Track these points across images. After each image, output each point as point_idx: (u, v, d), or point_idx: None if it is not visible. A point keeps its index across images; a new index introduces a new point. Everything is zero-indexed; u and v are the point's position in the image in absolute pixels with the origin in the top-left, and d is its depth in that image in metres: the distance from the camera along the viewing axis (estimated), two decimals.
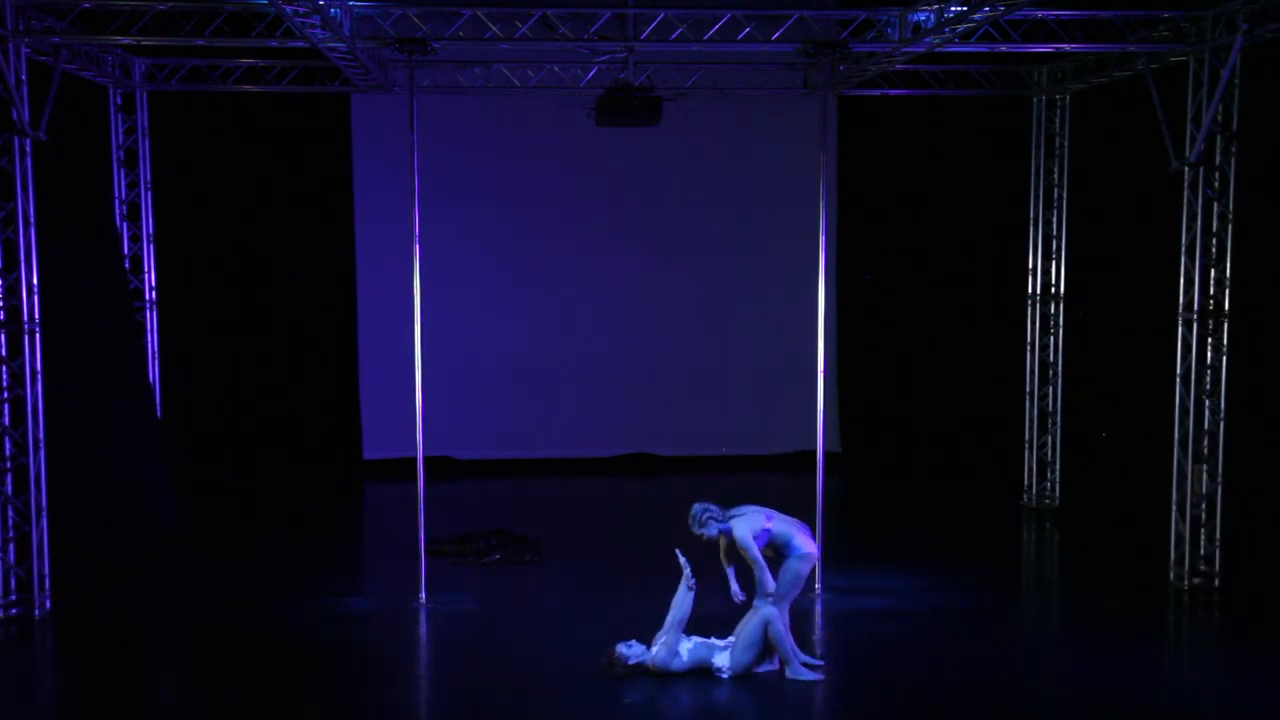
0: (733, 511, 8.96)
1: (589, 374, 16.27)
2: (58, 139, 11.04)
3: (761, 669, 8.97)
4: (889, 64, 12.07)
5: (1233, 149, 10.79)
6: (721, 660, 8.95)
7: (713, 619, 9.27)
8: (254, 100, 14.79)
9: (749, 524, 8.88)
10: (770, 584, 8.92)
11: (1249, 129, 10.80)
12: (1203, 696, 8.94)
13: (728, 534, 8.91)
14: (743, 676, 8.92)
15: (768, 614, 8.89)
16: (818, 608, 10.59)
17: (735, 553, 9.00)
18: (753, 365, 16.31)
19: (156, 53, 13.02)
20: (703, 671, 8.94)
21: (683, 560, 9.04)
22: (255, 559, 12.39)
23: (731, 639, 9.04)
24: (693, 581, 8.99)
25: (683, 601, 8.93)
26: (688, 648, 8.94)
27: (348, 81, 13.26)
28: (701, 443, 16.36)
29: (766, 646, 8.95)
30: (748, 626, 8.95)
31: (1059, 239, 14.15)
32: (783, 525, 8.98)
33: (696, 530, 8.91)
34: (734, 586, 9.08)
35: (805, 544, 8.99)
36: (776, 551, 8.98)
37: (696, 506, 8.93)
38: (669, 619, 8.96)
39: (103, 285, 12.96)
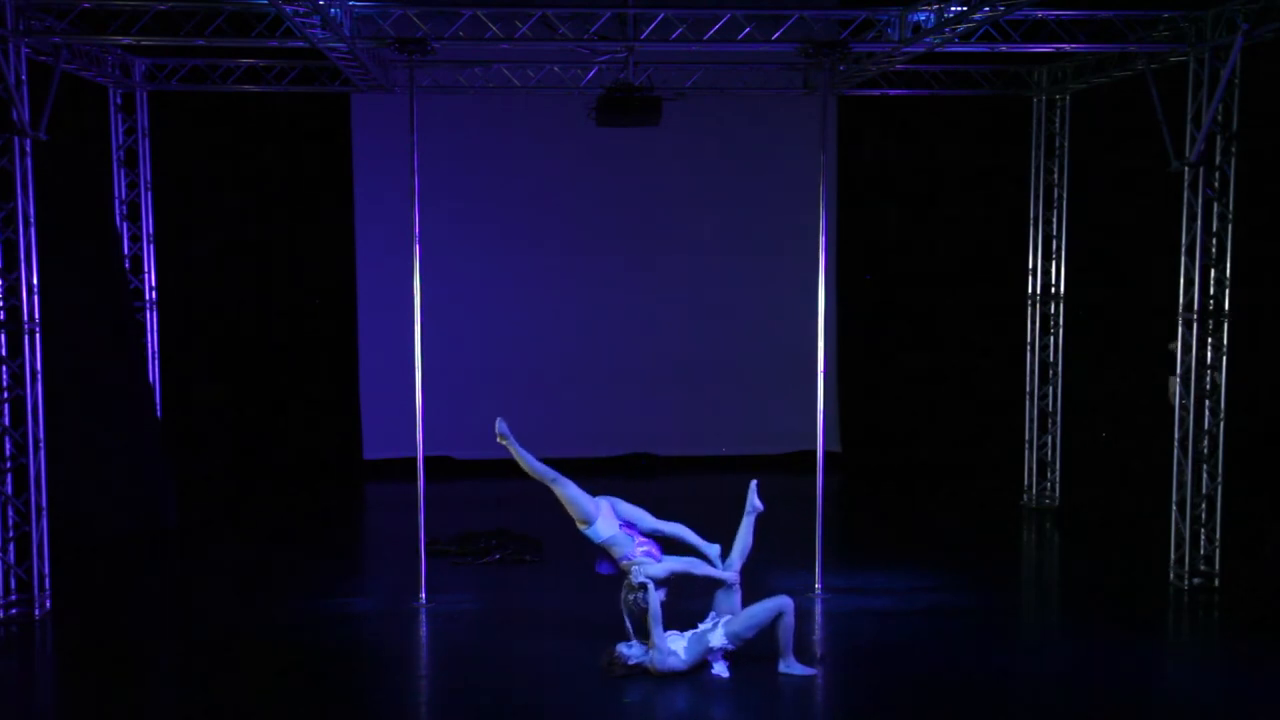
0: (638, 577, 9.06)
1: (589, 374, 16.26)
2: (58, 139, 11.05)
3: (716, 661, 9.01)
4: (889, 64, 12.07)
5: (1233, 149, 10.79)
6: (718, 639, 8.93)
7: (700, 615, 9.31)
8: (254, 100, 14.79)
9: (651, 569, 9.08)
10: (729, 562, 9.34)
11: (1249, 129, 10.80)
12: (1203, 696, 8.93)
13: (651, 578, 9.04)
14: (735, 654, 8.94)
15: (783, 604, 8.93)
16: (818, 607, 10.59)
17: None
18: (753, 365, 16.31)
19: (156, 53, 13.02)
20: (703, 667, 8.95)
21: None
22: (255, 559, 12.40)
23: (714, 615, 9.06)
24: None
25: (653, 601, 8.92)
26: (682, 645, 8.94)
27: (348, 81, 13.26)
28: (701, 443, 16.35)
29: (763, 633, 8.96)
30: (759, 606, 8.95)
31: (1059, 239, 14.15)
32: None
33: (637, 590, 9.04)
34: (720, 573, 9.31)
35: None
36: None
37: (633, 594, 9.09)
38: (652, 620, 8.93)
39: (103, 285, 12.95)
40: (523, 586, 11.38)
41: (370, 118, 15.55)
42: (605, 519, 9.16)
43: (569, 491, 9.21)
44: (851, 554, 12.03)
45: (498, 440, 9.37)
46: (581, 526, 9.20)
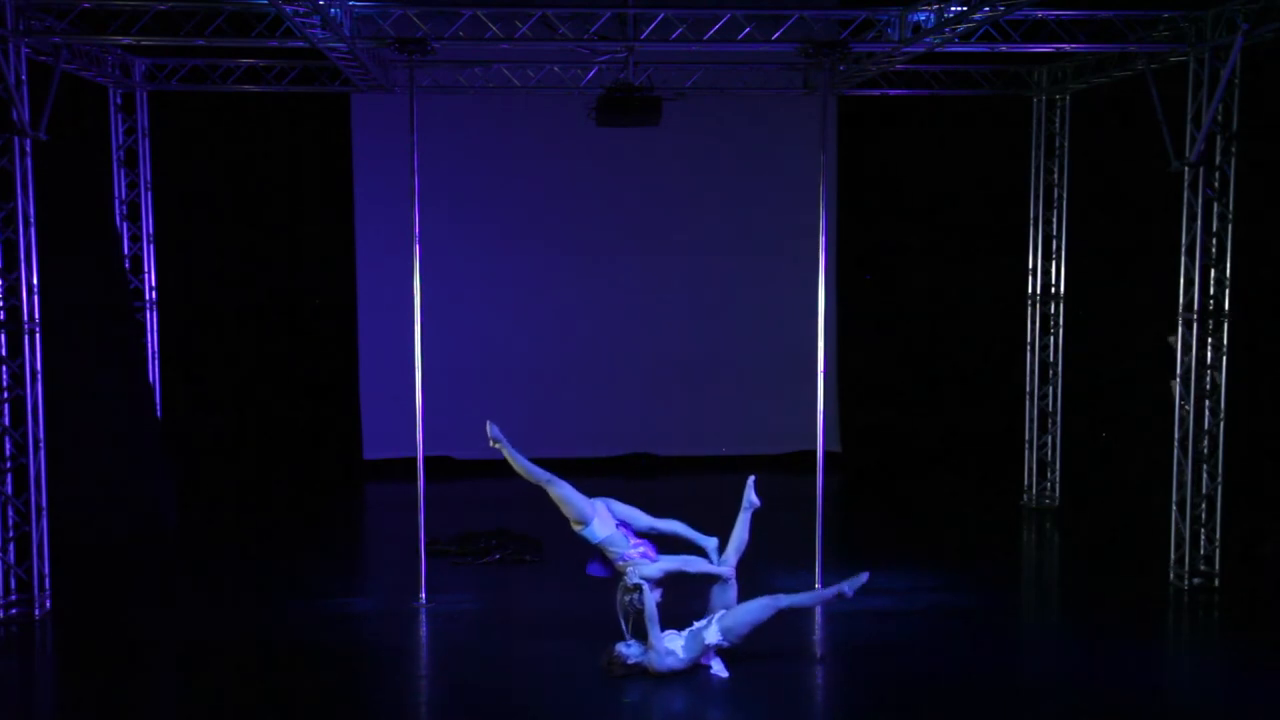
0: (632, 578, 9.07)
1: (589, 374, 16.26)
2: (58, 139, 11.04)
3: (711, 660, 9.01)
4: (889, 64, 12.07)
5: (1233, 149, 10.79)
6: (713, 636, 8.93)
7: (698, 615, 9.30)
8: (254, 100, 14.79)
9: (646, 569, 9.10)
10: (724, 558, 9.35)
11: (1249, 129, 10.80)
12: (1203, 696, 8.94)
13: (646, 578, 9.05)
14: (734, 653, 8.94)
15: (776, 602, 9.00)
16: (818, 607, 10.58)
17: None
18: (753, 365, 16.31)
19: (156, 53, 13.02)
20: (702, 666, 8.96)
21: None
22: (255, 559, 12.39)
23: (704, 618, 9.06)
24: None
25: (648, 601, 8.92)
26: (680, 644, 8.94)
27: (348, 81, 13.26)
28: (701, 443, 16.35)
29: (758, 632, 8.98)
30: (754, 604, 8.97)
31: (1059, 239, 14.15)
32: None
33: (633, 591, 9.02)
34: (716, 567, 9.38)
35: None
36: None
37: (628, 595, 9.10)
38: (648, 620, 8.94)
39: (103, 285, 12.95)
40: (523, 586, 11.38)
41: (370, 118, 15.55)
42: (601, 519, 9.18)
43: (564, 492, 9.22)
44: (851, 554, 12.00)
45: (490, 444, 9.35)
46: (577, 528, 9.22)
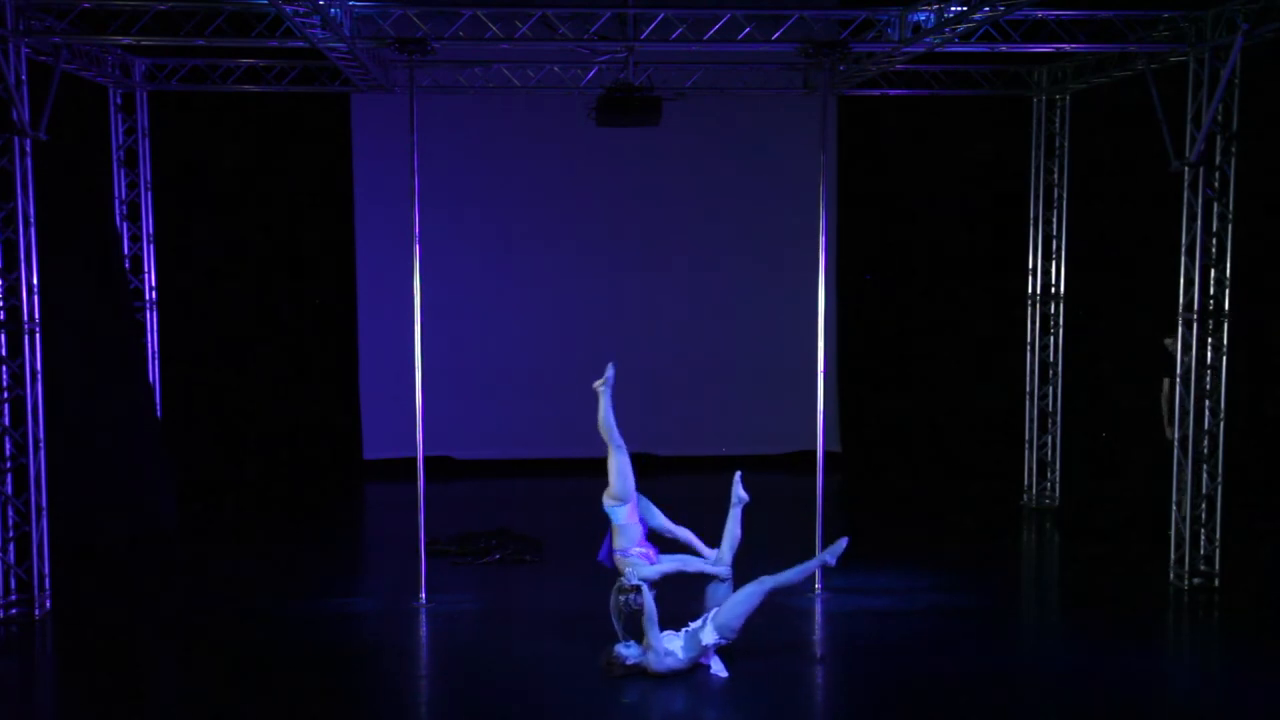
0: (631, 579, 9.08)
1: (589, 374, 16.20)
2: (58, 139, 11.04)
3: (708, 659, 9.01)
4: (889, 64, 12.07)
5: (1233, 149, 10.79)
6: (709, 636, 8.93)
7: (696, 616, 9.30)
8: (254, 100, 14.79)
9: (645, 570, 9.15)
10: (720, 556, 9.46)
11: (1249, 129, 10.80)
12: (1203, 696, 8.94)
13: (644, 579, 9.08)
14: (734, 651, 8.94)
15: (762, 585, 9.01)
16: (818, 607, 10.59)
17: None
18: (753, 365, 16.31)
19: (156, 53, 13.02)
20: (702, 666, 8.96)
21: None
22: (255, 559, 12.39)
23: (699, 618, 9.06)
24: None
25: (648, 602, 8.91)
26: (679, 645, 8.94)
27: (348, 81, 13.26)
28: (701, 443, 16.34)
29: (751, 623, 9.01)
30: (741, 593, 9.00)
31: (1059, 239, 14.15)
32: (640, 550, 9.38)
33: (629, 591, 9.03)
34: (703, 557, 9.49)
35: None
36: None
37: (626, 595, 9.09)
38: (647, 621, 8.93)
39: (103, 285, 12.95)
40: (523, 586, 11.38)
41: (370, 118, 15.55)
42: (631, 508, 9.23)
43: (623, 465, 9.29)
44: (851, 554, 11.97)
45: (596, 385, 9.42)
46: (610, 502, 9.25)
